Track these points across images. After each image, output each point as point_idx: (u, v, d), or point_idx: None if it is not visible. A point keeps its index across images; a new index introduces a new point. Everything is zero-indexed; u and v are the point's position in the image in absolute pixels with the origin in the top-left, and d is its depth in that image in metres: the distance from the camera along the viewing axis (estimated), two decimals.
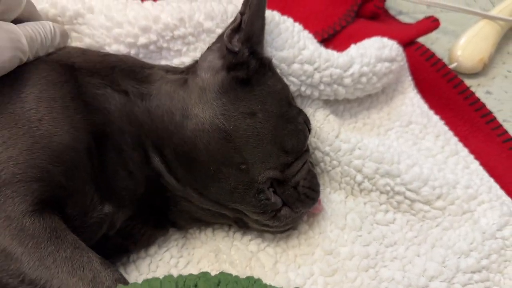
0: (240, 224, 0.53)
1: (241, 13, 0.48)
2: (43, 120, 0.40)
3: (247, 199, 0.47)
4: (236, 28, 0.48)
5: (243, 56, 0.47)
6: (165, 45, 0.55)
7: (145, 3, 0.56)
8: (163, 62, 0.56)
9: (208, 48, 0.51)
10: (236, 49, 0.47)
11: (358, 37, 0.68)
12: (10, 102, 0.40)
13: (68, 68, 0.46)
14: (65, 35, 0.51)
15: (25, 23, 0.46)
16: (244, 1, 0.48)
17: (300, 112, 0.52)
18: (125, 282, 0.41)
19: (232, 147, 0.45)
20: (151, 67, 0.51)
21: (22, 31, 0.44)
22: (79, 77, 0.45)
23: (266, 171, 0.46)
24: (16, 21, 0.44)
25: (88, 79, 0.46)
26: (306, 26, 0.62)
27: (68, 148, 0.41)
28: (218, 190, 0.47)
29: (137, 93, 0.47)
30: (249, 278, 0.40)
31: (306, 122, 0.52)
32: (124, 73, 0.48)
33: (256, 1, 0.46)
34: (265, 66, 0.51)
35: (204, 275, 0.38)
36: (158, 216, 0.51)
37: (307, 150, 0.52)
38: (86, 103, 0.44)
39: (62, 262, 0.37)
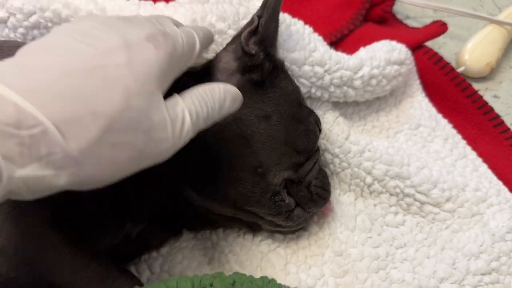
0: (254, 227, 0.53)
1: (259, 16, 0.47)
2: None
3: (263, 202, 0.47)
4: (253, 30, 0.47)
5: (258, 58, 0.47)
6: None
7: (158, 4, 0.56)
8: None
9: (223, 49, 0.51)
10: (253, 51, 0.47)
11: (366, 41, 0.68)
12: None
13: None
14: (237, 100, 0.38)
15: (192, 89, 0.35)
16: (262, 5, 0.47)
17: (311, 112, 0.52)
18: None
19: (250, 152, 0.45)
20: None
21: (187, 104, 0.33)
22: None
23: (281, 172, 0.47)
24: None
25: None
26: (314, 29, 0.62)
27: None
28: (236, 196, 0.47)
29: None
30: (263, 278, 0.40)
31: (317, 122, 0.52)
32: None
33: (273, 5, 0.46)
34: (278, 68, 0.51)
35: (219, 275, 0.38)
36: (171, 221, 0.52)
37: (318, 149, 0.53)
38: None
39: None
